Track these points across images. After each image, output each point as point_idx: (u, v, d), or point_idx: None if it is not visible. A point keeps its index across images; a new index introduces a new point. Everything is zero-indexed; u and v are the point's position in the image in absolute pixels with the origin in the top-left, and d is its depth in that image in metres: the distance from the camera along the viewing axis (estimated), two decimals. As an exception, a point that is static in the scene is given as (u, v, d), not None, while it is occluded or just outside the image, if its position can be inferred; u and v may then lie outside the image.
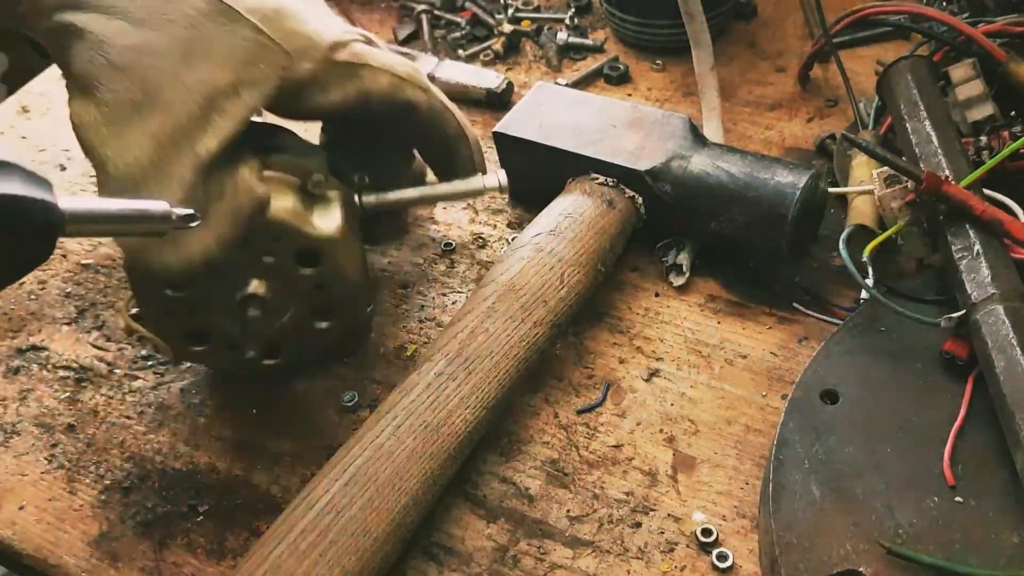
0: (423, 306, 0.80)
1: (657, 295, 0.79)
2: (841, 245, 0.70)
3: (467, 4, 1.12)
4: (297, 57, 0.61)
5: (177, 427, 0.72)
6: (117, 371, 0.76)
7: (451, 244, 0.85)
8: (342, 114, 0.66)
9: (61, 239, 0.47)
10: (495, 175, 0.74)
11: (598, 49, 1.05)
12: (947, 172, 0.71)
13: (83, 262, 0.85)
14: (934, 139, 0.74)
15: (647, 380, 0.73)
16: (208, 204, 0.58)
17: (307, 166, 0.66)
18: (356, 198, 0.70)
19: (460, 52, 1.05)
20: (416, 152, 0.77)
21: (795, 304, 0.77)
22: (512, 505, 0.66)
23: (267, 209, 0.62)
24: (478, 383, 0.66)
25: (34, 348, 0.79)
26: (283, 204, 0.64)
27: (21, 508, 0.68)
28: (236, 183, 0.60)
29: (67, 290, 0.83)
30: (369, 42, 0.68)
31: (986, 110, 0.78)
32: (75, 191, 0.92)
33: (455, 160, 0.74)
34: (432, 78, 0.99)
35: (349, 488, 0.59)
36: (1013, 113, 0.78)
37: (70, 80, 0.59)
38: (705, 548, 0.62)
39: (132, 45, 0.58)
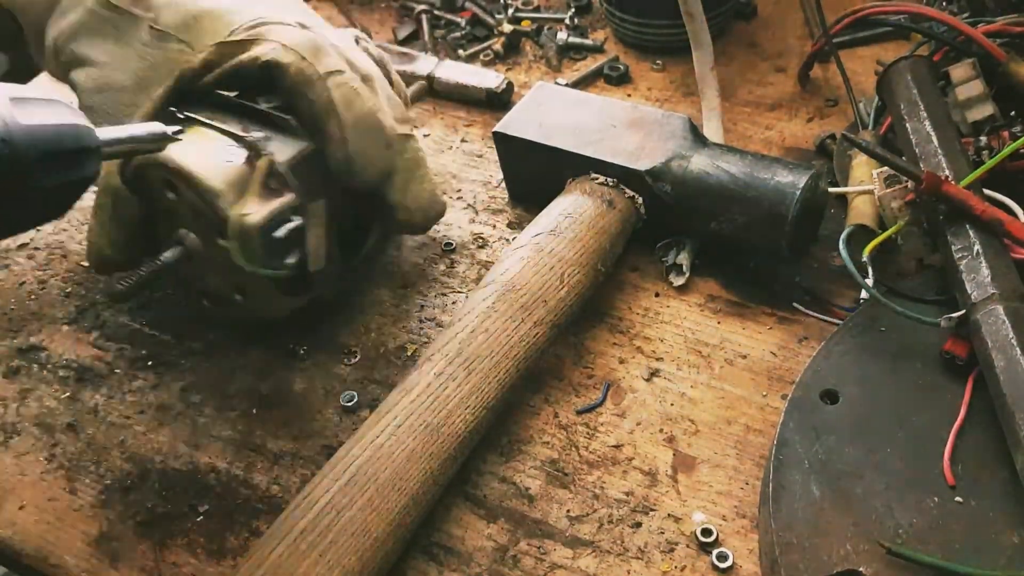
0: (423, 306, 0.80)
1: (657, 295, 0.79)
2: (841, 245, 0.70)
3: (467, 4, 1.12)
4: (197, 51, 0.73)
5: (177, 427, 0.72)
6: (117, 371, 0.76)
7: (451, 244, 0.85)
8: (225, 83, 0.72)
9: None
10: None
11: (598, 49, 1.05)
12: (947, 172, 0.71)
13: (83, 263, 0.85)
14: (934, 139, 0.74)
15: (647, 380, 0.73)
16: None
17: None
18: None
19: (460, 52, 1.05)
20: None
21: (795, 304, 0.77)
22: (512, 505, 0.66)
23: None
24: (478, 383, 0.66)
25: (34, 348, 0.79)
26: (220, 176, 0.66)
27: (21, 508, 0.68)
28: None
29: (67, 290, 0.83)
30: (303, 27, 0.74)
31: (986, 110, 0.78)
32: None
33: (322, 136, 0.71)
34: (432, 78, 0.99)
35: (349, 488, 0.59)
36: (1013, 113, 0.78)
37: None
38: (705, 548, 0.62)
39: (97, 87, 0.76)
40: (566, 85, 0.99)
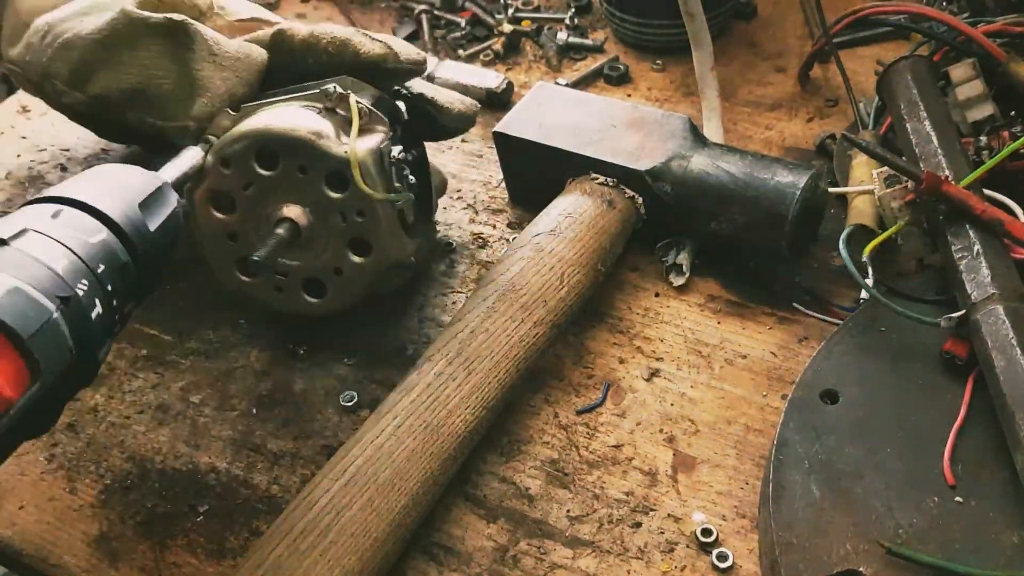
0: (423, 306, 0.80)
1: (657, 295, 0.79)
2: (841, 245, 0.70)
3: (467, 4, 1.12)
4: None
5: (177, 427, 0.72)
6: (117, 371, 0.76)
7: (451, 244, 0.85)
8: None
9: None
10: None
11: (598, 49, 1.05)
12: (947, 172, 0.71)
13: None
14: (934, 139, 0.74)
15: (647, 380, 0.73)
16: None
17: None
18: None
19: (460, 52, 1.06)
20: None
21: (795, 304, 0.77)
22: (512, 505, 0.66)
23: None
24: (478, 383, 0.66)
25: (34, 348, 0.79)
26: (311, 126, 0.67)
27: (21, 508, 0.68)
28: None
29: (67, 290, 0.83)
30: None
31: (986, 110, 0.78)
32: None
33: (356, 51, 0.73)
34: (432, 78, 0.99)
35: (349, 488, 0.59)
36: (1013, 113, 0.78)
37: None
38: (705, 548, 0.62)
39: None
40: (566, 85, 0.99)
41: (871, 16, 0.90)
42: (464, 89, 0.98)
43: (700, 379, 0.73)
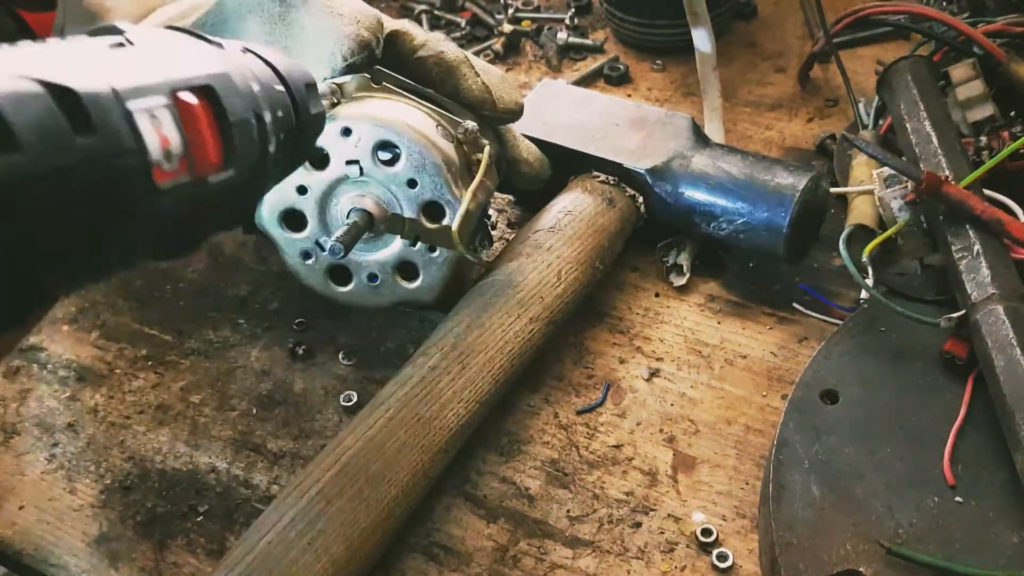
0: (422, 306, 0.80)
1: (657, 295, 0.79)
2: (841, 245, 0.70)
3: (467, 4, 1.12)
4: None
5: (177, 427, 0.72)
6: (117, 371, 0.76)
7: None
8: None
9: None
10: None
11: (598, 49, 1.05)
12: (947, 172, 0.71)
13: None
14: (934, 139, 0.74)
15: (647, 380, 0.73)
16: None
17: (460, 116, 0.70)
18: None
19: (460, 52, 1.05)
20: None
21: (795, 304, 0.77)
22: (512, 505, 0.66)
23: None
24: (472, 378, 0.66)
25: (34, 348, 0.79)
26: (446, 154, 0.68)
27: (21, 508, 0.68)
28: None
29: (67, 290, 0.83)
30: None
31: (986, 110, 0.78)
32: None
33: (455, 83, 0.73)
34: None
35: (340, 478, 0.60)
36: (1013, 113, 0.78)
37: None
38: (705, 548, 0.62)
39: None
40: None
41: (871, 16, 0.90)
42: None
43: (700, 379, 0.72)
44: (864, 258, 0.71)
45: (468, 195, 0.67)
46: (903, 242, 0.74)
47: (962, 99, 0.79)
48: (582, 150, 0.80)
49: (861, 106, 0.87)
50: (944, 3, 0.91)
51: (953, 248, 0.68)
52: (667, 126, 0.81)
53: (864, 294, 0.72)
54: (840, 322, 0.73)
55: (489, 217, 0.74)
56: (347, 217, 0.69)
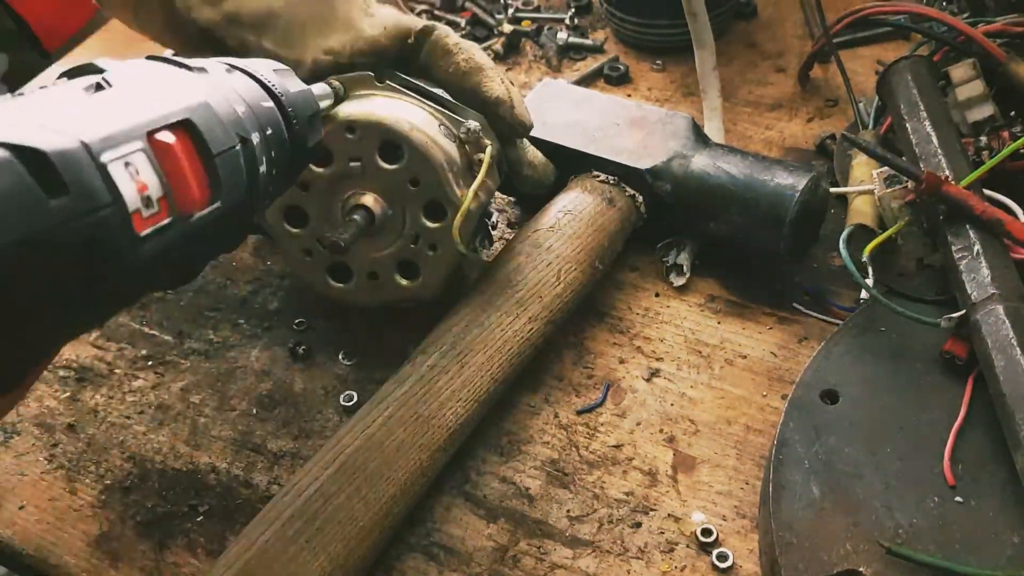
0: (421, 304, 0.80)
1: (657, 295, 0.79)
2: (841, 245, 0.70)
3: (467, 4, 1.12)
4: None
5: (177, 427, 0.72)
6: (117, 371, 0.76)
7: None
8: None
9: None
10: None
11: (598, 49, 1.05)
12: (947, 172, 0.71)
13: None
14: (934, 139, 0.74)
15: (647, 380, 0.73)
16: None
17: (464, 116, 0.71)
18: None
19: (460, 52, 1.05)
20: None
21: (795, 304, 0.77)
22: (512, 505, 0.66)
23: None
24: (470, 377, 0.66)
25: (34, 348, 0.79)
26: (449, 154, 0.68)
27: (21, 508, 0.68)
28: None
29: (67, 290, 0.83)
30: None
31: (986, 110, 0.78)
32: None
33: (476, 94, 0.73)
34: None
35: (338, 476, 0.60)
36: (1013, 113, 0.78)
37: None
38: (705, 548, 0.62)
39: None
40: (566, 85, 0.99)
41: (871, 16, 0.90)
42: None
43: (700, 379, 0.73)
44: (864, 258, 0.71)
45: (469, 195, 0.67)
46: (903, 242, 0.74)
47: (962, 99, 0.79)
48: (582, 149, 0.80)
49: (861, 106, 0.87)
50: (944, 3, 0.91)
51: (953, 248, 0.68)
52: (667, 126, 0.81)
53: (864, 294, 0.72)
54: (840, 322, 0.73)
55: (490, 216, 0.74)
56: (348, 215, 0.69)
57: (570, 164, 0.81)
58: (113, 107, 0.41)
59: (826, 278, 0.78)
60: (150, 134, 0.40)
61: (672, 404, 0.71)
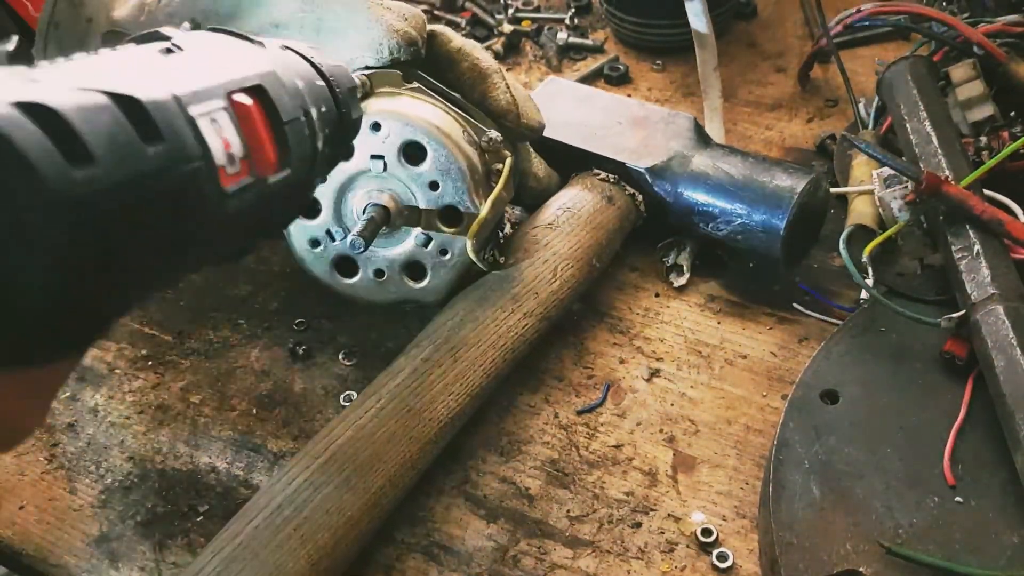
0: (423, 306, 0.79)
1: (657, 295, 0.79)
2: (841, 245, 0.70)
3: (467, 4, 1.12)
4: None
5: (177, 427, 0.72)
6: (117, 371, 0.76)
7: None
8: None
9: None
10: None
11: (598, 49, 1.05)
12: (947, 172, 0.71)
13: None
14: (934, 139, 0.74)
15: (647, 380, 0.73)
16: None
17: (484, 125, 0.71)
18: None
19: (460, 52, 1.05)
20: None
21: (795, 304, 0.77)
22: (512, 505, 0.66)
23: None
24: (463, 371, 0.66)
25: (34, 348, 0.78)
26: (472, 161, 0.68)
27: (21, 508, 0.68)
28: None
29: (67, 290, 0.83)
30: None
31: (986, 110, 0.78)
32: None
33: (483, 93, 0.74)
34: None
35: (328, 466, 0.60)
36: (1013, 113, 0.78)
37: None
38: (705, 548, 0.62)
39: None
40: (566, 85, 0.99)
41: (871, 16, 0.90)
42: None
43: (700, 379, 0.72)
44: (864, 258, 0.71)
45: (488, 203, 0.68)
46: (903, 242, 0.74)
47: (962, 99, 0.79)
48: (583, 147, 0.80)
49: (861, 106, 0.87)
50: (944, 3, 0.91)
51: (953, 248, 0.68)
52: (669, 125, 0.81)
53: (864, 294, 0.72)
54: (840, 322, 0.73)
55: (503, 227, 0.74)
56: (364, 211, 0.69)
57: (571, 162, 0.81)
58: (191, 67, 0.41)
59: (826, 278, 0.78)
60: (229, 94, 0.41)
61: (672, 404, 0.71)
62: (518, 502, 0.66)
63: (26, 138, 0.30)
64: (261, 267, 0.84)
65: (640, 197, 0.79)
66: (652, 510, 0.65)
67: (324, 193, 0.70)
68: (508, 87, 0.73)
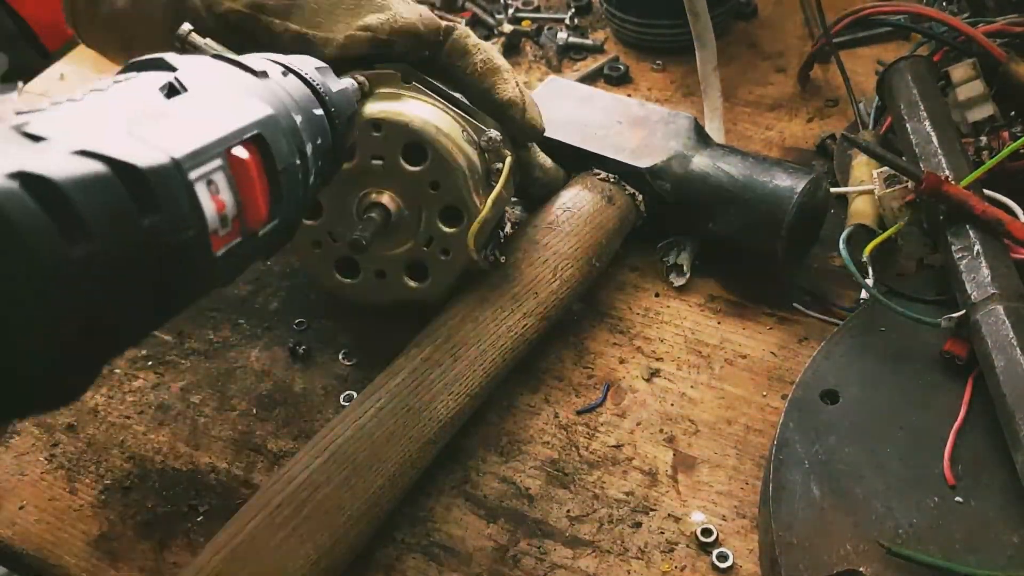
0: (423, 306, 0.79)
1: (657, 295, 0.79)
2: (841, 245, 0.70)
3: (467, 4, 1.12)
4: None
5: (177, 427, 0.72)
6: (117, 371, 0.76)
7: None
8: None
9: None
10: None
11: (598, 49, 1.05)
12: (947, 172, 0.71)
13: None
14: (934, 139, 0.74)
15: (647, 380, 0.73)
16: None
17: (484, 124, 0.71)
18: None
19: (460, 52, 1.05)
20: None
21: (795, 304, 0.77)
22: (512, 505, 0.66)
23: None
24: (462, 370, 0.66)
25: (34, 348, 0.78)
26: (472, 161, 0.68)
27: (21, 508, 0.68)
28: None
29: (67, 290, 0.83)
30: None
31: (986, 110, 0.78)
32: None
33: (489, 92, 0.73)
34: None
35: (327, 466, 0.60)
36: (1013, 113, 0.78)
37: None
38: (705, 548, 0.62)
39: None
40: (566, 85, 0.99)
41: (871, 16, 0.90)
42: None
43: (700, 379, 0.72)
44: (864, 258, 0.71)
45: (488, 203, 0.68)
46: (903, 242, 0.74)
47: (962, 99, 0.79)
48: (583, 147, 0.80)
49: (861, 106, 0.87)
50: (944, 3, 0.91)
51: (953, 248, 0.68)
52: (669, 125, 0.81)
53: (864, 294, 0.72)
54: (840, 322, 0.73)
55: (504, 227, 0.74)
56: (365, 212, 0.69)
57: (572, 161, 0.81)
58: (195, 117, 0.41)
59: (826, 278, 0.78)
60: (227, 150, 0.41)
61: (672, 404, 0.71)
62: (518, 502, 0.66)
63: (23, 215, 0.30)
64: (261, 267, 0.84)
65: (640, 197, 0.79)
66: (652, 510, 0.65)
67: (325, 194, 0.70)
68: (518, 83, 0.73)
